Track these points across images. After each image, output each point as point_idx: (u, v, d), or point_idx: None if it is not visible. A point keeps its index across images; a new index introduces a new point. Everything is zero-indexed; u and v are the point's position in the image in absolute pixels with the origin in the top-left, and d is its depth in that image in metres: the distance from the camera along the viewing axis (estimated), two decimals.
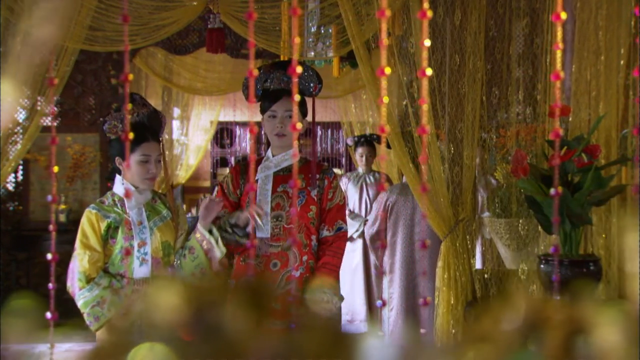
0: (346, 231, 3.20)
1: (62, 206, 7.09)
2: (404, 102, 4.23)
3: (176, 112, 8.91)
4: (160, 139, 3.02)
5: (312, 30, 4.38)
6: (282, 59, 4.32)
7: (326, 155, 10.92)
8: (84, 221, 2.87)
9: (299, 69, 0.90)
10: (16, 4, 3.61)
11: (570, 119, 3.21)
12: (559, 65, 0.81)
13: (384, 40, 0.84)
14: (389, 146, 3.80)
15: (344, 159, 10.83)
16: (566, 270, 2.61)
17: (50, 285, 0.95)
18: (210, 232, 2.92)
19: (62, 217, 7.01)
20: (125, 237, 2.85)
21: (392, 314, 4.65)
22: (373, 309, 5.74)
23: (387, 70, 0.82)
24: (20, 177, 7.33)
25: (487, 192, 4.18)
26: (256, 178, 3.15)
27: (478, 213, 3.99)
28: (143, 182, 2.90)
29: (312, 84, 3.16)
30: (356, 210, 5.88)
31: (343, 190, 5.87)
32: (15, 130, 3.74)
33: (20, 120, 3.84)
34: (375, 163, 6.18)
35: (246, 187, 3.18)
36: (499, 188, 3.73)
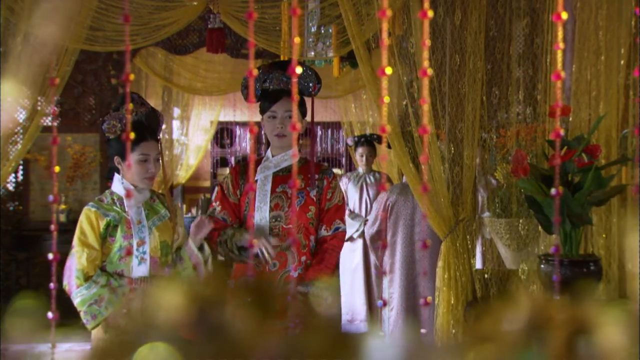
0: (344, 231, 3.19)
1: (62, 206, 7.09)
2: (404, 102, 4.23)
3: (176, 112, 8.91)
4: (159, 138, 3.02)
5: (312, 30, 4.38)
6: (282, 59, 4.32)
7: (326, 155, 10.92)
8: (82, 219, 2.87)
9: (299, 69, 0.90)
10: (16, 4, 3.61)
11: (570, 118, 3.21)
12: (559, 65, 0.81)
13: (385, 40, 0.84)
14: (389, 146, 3.80)
15: (344, 159, 10.83)
16: (566, 270, 2.61)
17: (52, 285, 0.95)
18: (201, 248, 2.95)
19: (62, 217, 7.01)
20: (125, 235, 2.86)
21: (392, 314, 4.65)
22: (373, 308, 5.74)
23: (388, 70, 0.82)
24: (20, 177, 7.33)
25: (487, 192, 4.18)
26: (256, 178, 3.15)
27: (478, 213, 3.99)
28: (142, 182, 2.91)
29: (311, 84, 3.16)
30: (356, 210, 5.88)
31: (343, 190, 5.88)
32: (16, 130, 3.74)
33: (21, 120, 3.84)
34: (375, 163, 6.17)
35: (246, 187, 3.18)
36: (499, 188, 3.73)
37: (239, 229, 3.11)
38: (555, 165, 0.81)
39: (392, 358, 0.53)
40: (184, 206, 9.60)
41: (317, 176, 3.17)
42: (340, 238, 3.17)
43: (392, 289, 4.67)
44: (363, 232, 5.65)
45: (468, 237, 3.61)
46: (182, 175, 9.12)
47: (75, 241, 2.84)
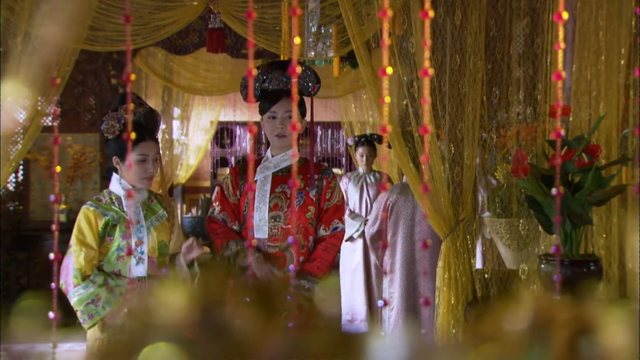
0: (342, 230, 3.19)
1: (63, 206, 7.08)
2: (404, 102, 4.23)
3: (176, 112, 8.92)
4: (157, 138, 3.03)
5: (313, 30, 4.38)
6: (282, 58, 4.32)
7: (326, 155, 10.92)
8: (80, 218, 2.87)
9: (298, 69, 0.90)
10: (16, 4, 3.61)
11: (570, 118, 3.21)
12: (560, 65, 0.81)
13: (386, 40, 0.84)
14: (389, 146, 3.80)
15: (344, 159, 10.83)
16: (567, 270, 2.61)
17: (53, 285, 0.95)
18: (191, 265, 2.96)
19: (63, 217, 7.01)
20: (123, 235, 2.86)
21: (392, 313, 4.65)
22: (373, 308, 5.74)
23: (389, 70, 0.82)
24: (20, 177, 7.33)
25: (487, 192, 4.18)
26: (255, 179, 3.15)
27: (478, 213, 3.99)
28: (141, 182, 2.91)
29: (310, 84, 3.16)
30: (356, 210, 5.88)
31: (343, 190, 5.88)
32: (16, 130, 3.74)
33: (21, 121, 3.84)
34: (375, 163, 6.17)
35: (245, 187, 3.18)
36: (499, 188, 3.73)
37: (243, 247, 3.09)
38: (556, 165, 0.81)
39: (396, 358, 0.53)
40: (184, 206, 9.60)
41: (316, 176, 3.17)
42: (338, 237, 3.16)
43: (393, 289, 4.67)
44: (363, 232, 5.65)
45: (468, 237, 3.61)
46: (182, 175, 9.12)
47: (73, 240, 2.84)
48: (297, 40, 3.83)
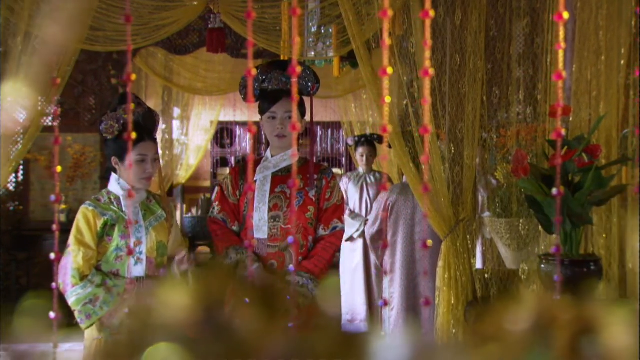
0: (342, 230, 3.19)
1: (63, 206, 7.08)
2: (404, 102, 4.23)
3: (176, 112, 8.92)
4: (155, 138, 3.03)
5: (313, 30, 4.38)
6: (282, 58, 4.32)
7: (326, 155, 10.93)
8: (79, 218, 2.87)
9: (298, 69, 0.90)
10: (16, 4, 3.61)
11: (570, 118, 3.21)
12: (561, 65, 0.81)
13: (386, 40, 0.84)
14: (389, 146, 3.80)
15: (344, 159, 10.83)
16: (567, 270, 2.61)
17: (54, 284, 0.95)
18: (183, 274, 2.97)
19: (63, 217, 7.01)
20: (122, 235, 2.86)
21: (392, 313, 4.66)
22: (373, 308, 5.75)
23: (390, 70, 0.82)
24: (20, 177, 7.33)
25: (487, 192, 4.18)
26: (255, 179, 3.15)
27: (478, 213, 3.99)
28: (140, 182, 2.91)
29: (310, 84, 3.16)
30: (357, 210, 5.88)
31: (343, 190, 5.88)
32: (17, 131, 3.74)
33: (21, 121, 3.84)
34: (375, 163, 6.18)
35: (245, 187, 3.18)
36: (500, 188, 3.73)
37: (243, 256, 3.08)
38: (557, 165, 0.81)
39: (399, 358, 0.53)
40: (184, 206, 9.60)
41: (316, 176, 3.17)
42: (337, 236, 3.16)
43: (393, 289, 4.67)
44: (363, 232, 5.65)
45: (468, 237, 3.61)
46: (182, 175, 9.12)
47: (72, 240, 2.84)
48: (297, 40, 3.83)
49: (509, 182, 3.62)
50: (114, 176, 2.96)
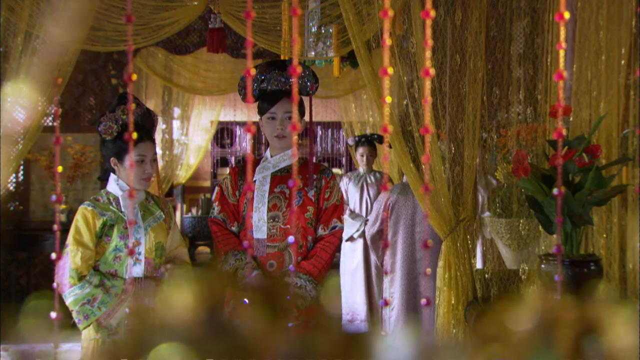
0: (341, 229, 3.18)
1: (63, 206, 7.08)
2: (405, 102, 4.23)
3: (176, 111, 8.92)
4: (154, 138, 3.03)
5: (313, 30, 4.38)
6: (282, 58, 4.31)
7: (326, 155, 10.93)
8: (78, 218, 2.86)
9: (298, 69, 0.90)
10: (16, 4, 3.61)
11: (571, 118, 3.21)
12: (561, 65, 0.81)
13: (387, 40, 0.84)
14: (389, 146, 3.80)
15: (344, 159, 10.83)
16: (567, 270, 2.61)
17: (55, 284, 0.95)
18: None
19: (63, 217, 7.01)
20: (121, 236, 2.86)
21: (393, 313, 4.66)
22: (373, 308, 5.75)
23: (390, 71, 0.82)
24: (20, 177, 7.33)
25: (487, 192, 4.18)
26: (254, 179, 3.15)
27: (479, 213, 3.99)
28: (139, 182, 2.91)
29: (309, 83, 3.16)
30: (357, 210, 5.89)
31: (343, 190, 5.89)
32: (19, 131, 3.75)
33: (21, 121, 3.84)
34: (376, 163, 6.18)
35: (244, 187, 3.18)
36: (500, 188, 3.73)
37: (242, 262, 3.07)
38: (558, 165, 0.81)
39: (403, 358, 0.53)
40: (184, 206, 9.60)
41: (315, 176, 3.17)
42: (337, 236, 3.16)
43: (393, 289, 4.67)
44: (363, 232, 5.65)
45: (469, 237, 3.61)
46: (182, 175, 9.12)
47: (70, 240, 2.83)
48: (297, 40, 3.83)
49: (509, 182, 3.62)
50: (112, 176, 2.95)
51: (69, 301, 2.78)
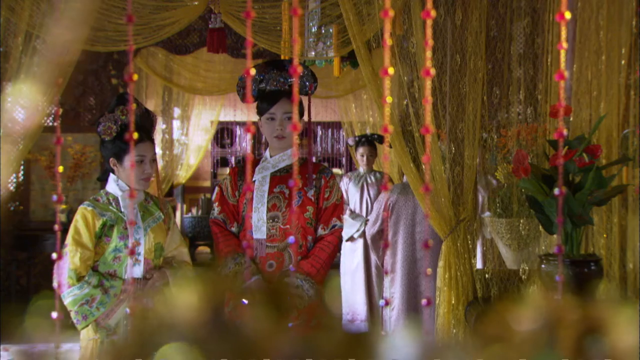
0: (340, 228, 3.18)
1: (63, 206, 7.08)
2: (405, 102, 4.23)
3: (176, 111, 8.92)
4: (153, 138, 3.03)
5: (313, 30, 4.38)
6: (282, 58, 4.31)
7: (327, 155, 10.93)
8: (78, 218, 2.86)
9: (299, 69, 0.90)
10: (17, 3, 3.61)
11: (571, 118, 3.21)
12: (562, 65, 0.81)
13: (387, 40, 0.84)
14: (390, 146, 3.80)
15: (344, 159, 10.83)
16: (567, 270, 2.61)
17: (55, 284, 0.95)
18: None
19: (63, 217, 7.01)
20: (121, 236, 2.85)
21: (393, 313, 4.66)
22: (373, 308, 5.75)
23: (391, 71, 0.82)
24: (21, 177, 7.33)
25: (487, 192, 4.18)
26: (253, 179, 3.15)
27: (479, 213, 3.99)
28: (138, 183, 2.91)
29: (307, 83, 3.16)
30: (357, 210, 5.89)
31: (343, 190, 5.89)
32: (21, 131, 3.75)
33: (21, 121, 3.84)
34: (376, 163, 6.18)
35: (243, 188, 3.18)
36: (500, 188, 3.73)
37: (241, 266, 3.07)
38: (559, 165, 0.81)
39: (404, 358, 0.53)
40: (184, 206, 9.61)
41: (314, 176, 3.17)
42: (336, 235, 3.16)
43: (394, 289, 4.67)
44: (364, 232, 5.65)
45: (469, 237, 3.61)
46: (183, 175, 9.12)
47: (69, 240, 2.83)
48: (298, 40, 3.83)
49: (510, 182, 3.62)
50: (112, 177, 2.95)
51: (67, 301, 2.78)
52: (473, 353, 0.52)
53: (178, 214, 9.21)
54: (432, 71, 0.84)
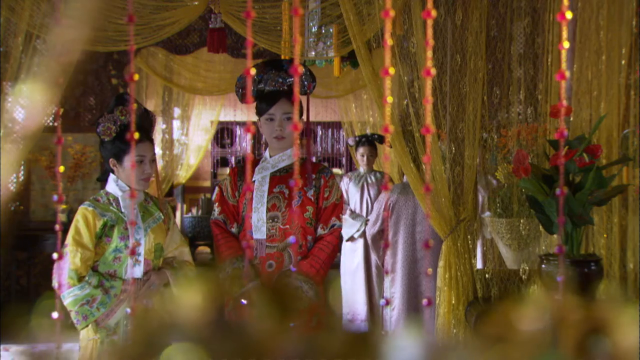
0: (340, 227, 3.18)
1: (63, 206, 7.08)
2: (405, 102, 4.23)
3: (177, 111, 8.92)
4: (152, 138, 3.03)
5: (313, 30, 4.38)
6: (282, 58, 4.31)
7: (327, 155, 10.93)
8: (78, 218, 2.86)
9: (299, 69, 0.90)
10: (17, 3, 3.61)
11: (571, 118, 3.21)
12: (563, 65, 0.81)
13: (388, 40, 0.84)
14: (390, 146, 3.79)
15: (344, 159, 10.83)
16: (567, 270, 2.61)
17: (55, 284, 0.95)
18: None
19: (63, 217, 7.00)
20: (121, 236, 2.85)
21: (393, 313, 4.66)
22: (374, 308, 5.75)
23: (392, 71, 0.82)
24: (21, 177, 7.33)
25: (487, 192, 4.18)
26: (253, 179, 3.14)
27: (479, 213, 3.99)
28: (138, 183, 2.91)
29: (306, 83, 3.15)
30: (357, 210, 5.89)
31: (343, 190, 5.89)
32: (16, 130, 3.74)
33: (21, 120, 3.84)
34: (376, 163, 6.18)
35: (243, 188, 3.18)
36: (500, 188, 3.73)
37: (240, 270, 3.06)
38: (559, 165, 0.81)
39: (405, 358, 0.53)
40: (184, 206, 9.61)
41: (314, 176, 3.17)
42: (335, 235, 3.16)
43: (394, 289, 4.67)
44: (364, 232, 5.65)
45: (469, 237, 3.61)
46: (183, 175, 9.12)
47: (70, 240, 2.83)
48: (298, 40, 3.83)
49: (510, 182, 3.62)
50: (112, 177, 2.95)
51: (68, 301, 2.78)
52: (475, 353, 0.52)
53: (178, 214, 9.21)
54: (433, 71, 0.84)
